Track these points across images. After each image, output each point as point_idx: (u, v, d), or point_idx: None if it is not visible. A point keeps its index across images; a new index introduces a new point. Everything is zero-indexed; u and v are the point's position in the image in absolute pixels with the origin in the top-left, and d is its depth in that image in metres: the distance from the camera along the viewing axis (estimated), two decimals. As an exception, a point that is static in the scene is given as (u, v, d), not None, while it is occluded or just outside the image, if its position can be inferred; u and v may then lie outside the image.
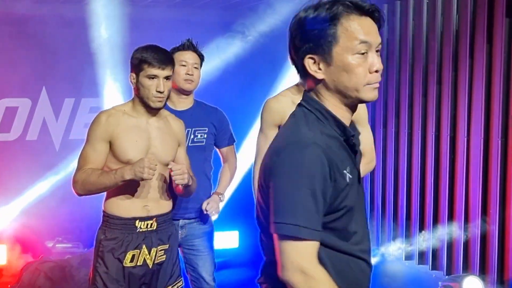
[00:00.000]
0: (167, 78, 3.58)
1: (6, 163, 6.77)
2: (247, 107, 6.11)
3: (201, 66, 4.22)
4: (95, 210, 6.78)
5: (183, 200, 4.07)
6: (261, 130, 3.83)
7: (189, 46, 4.17)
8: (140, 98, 3.61)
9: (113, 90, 6.74)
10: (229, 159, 4.37)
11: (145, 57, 3.56)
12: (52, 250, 6.69)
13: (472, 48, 5.32)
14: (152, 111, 3.62)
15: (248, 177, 6.96)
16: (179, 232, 4.14)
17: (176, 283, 3.79)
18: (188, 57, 4.14)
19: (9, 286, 6.33)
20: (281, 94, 3.82)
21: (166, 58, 3.59)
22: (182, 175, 3.54)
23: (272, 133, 3.75)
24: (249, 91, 6.61)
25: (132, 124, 3.60)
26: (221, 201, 4.29)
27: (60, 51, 6.72)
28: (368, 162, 3.65)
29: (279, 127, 3.77)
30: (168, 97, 3.65)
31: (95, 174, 3.47)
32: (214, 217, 4.25)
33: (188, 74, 4.11)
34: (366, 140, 3.62)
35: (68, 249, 6.73)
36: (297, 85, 3.76)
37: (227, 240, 7.13)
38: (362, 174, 3.73)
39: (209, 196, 4.25)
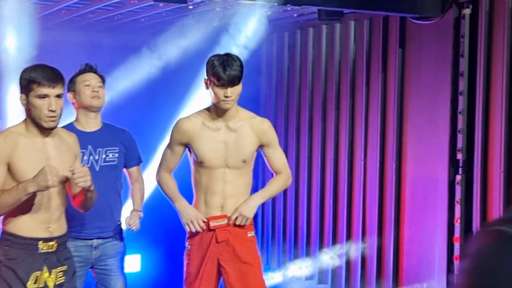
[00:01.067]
0: (58, 96, 3.49)
1: None
2: (153, 127, 6.22)
3: (104, 85, 4.27)
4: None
5: (98, 219, 4.11)
6: (169, 145, 4.03)
7: (89, 68, 4.23)
8: (32, 119, 3.52)
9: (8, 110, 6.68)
10: (138, 178, 4.46)
11: (34, 77, 3.47)
12: None
13: (368, 76, 5.64)
14: (46, 131, 3.56)
15: (152, 199, 7.03)
16: (92, 252, 4.16)
17: None
18: (89, 77, 4.19)
19: None
20: (193, 115, 4.02)
21: (55, 76, 3.51)
22: (85, 177, 3.49)
23: (179, 150, 4.00)
24: (157, 112, 6.71)
25: (28, 145, 3.52)
26: (140, 217, 4.38)
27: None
28: (286, 179, 4.08)
29: (186, 145, 3.98)
30: (60, 116, 3.56)
31: (2, 197, 3.41)
32: (135, 229, 4.31)
33: (93, 91, 4.15)
34: (279, 160, 4.06)
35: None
36: (208, 108, 3.96)
37: (129, 263, 7.08)
38: (279, 190, 4.12)
39: (120, 215, 4.32)
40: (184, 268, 4.07)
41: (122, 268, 4.31)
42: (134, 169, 4.39)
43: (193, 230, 3.90)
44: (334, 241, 5.96)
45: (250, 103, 6.33)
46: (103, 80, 4.27)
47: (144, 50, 6.51)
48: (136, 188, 4.46)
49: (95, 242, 4.18)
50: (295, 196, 6.43)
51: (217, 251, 3.99)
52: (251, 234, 4.03)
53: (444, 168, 5.07)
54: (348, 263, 5.81)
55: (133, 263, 7.20)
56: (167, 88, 6.94)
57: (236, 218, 3.94)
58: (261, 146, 4.05)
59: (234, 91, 3.85)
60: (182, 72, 6.24)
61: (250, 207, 3.97)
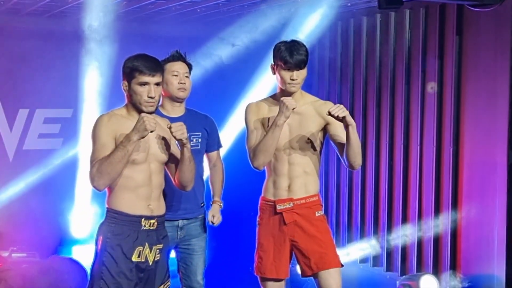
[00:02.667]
0: (157, 84, 3.80)
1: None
2: (225, 113, 6.39)
3: (190, 74, 4.47)
4: (50, 220, 6.95)
5: (183, 201, 4.31)
6: (250, 130, 4.16)
7: (179, 56, 4.42)
8: (133, 104, 3.82)
9: (68, 101, 6.88)
10: (217, 164, 4.62)
11: (136, 66, 3.77)
12: (8, 259, 6.71)
13: (424, 63, 5.77)
14: None
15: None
16: (178, 233, 4.35)
17: (167, 282, 3.99)
18: (179, 67, 4.38)
19: (-32, 295, 6.33)
20: (261, 101, 4.24)
21: (156, 66, 3.81)
22: (181, 129, 3.77)
23: (261, 129, 4.10)
24: (228, 98, 6.88)
25: (130, 126, 3.79)
26: (220, 208, 4.56)
27: (15, 61, 6.80)
28: None
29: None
30: (158, 102, 3.87)
31: (106, 156, 3.66)
32: (217, 223, 4.49)
33: (180, 83, 4.36)
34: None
35: (24, 258, 6.75)
36: (273, 95, 4.15)
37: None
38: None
39: (203, 198, 4.51)
40: (256, 238, 4.22)
41: (204, 248, 4.49)
42: (214, 154, 4.56)
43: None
44: (389, 225, 6.10)
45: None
46: (190, 69, 4.47)
47: (214, 39, 6.69)
48: (216, 174, 4.62)
49: (180, 222, 4.38)
50: (348, 181, 6.57)
51: (287, 232, 4.13)
52: (319, 213, 4.17)
53: (503, 151, 5.18)
54: (403, 246, 5.94)
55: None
56: (233, 78, 7.09)
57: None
58: (326, 128, 4.14)
59: (300, 75, 4.04)
60: (250, 60, 6.40)
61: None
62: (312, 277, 4.18)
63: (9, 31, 6.76)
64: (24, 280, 6.29)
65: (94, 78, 6.69)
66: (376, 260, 6.25)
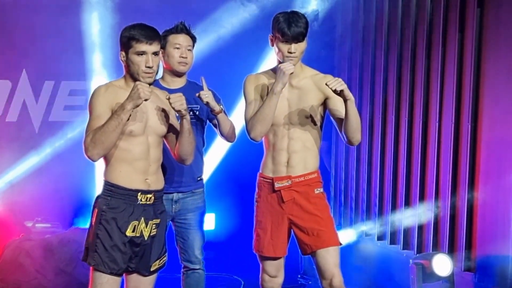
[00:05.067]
0: (155, 53, 3.74)
1: (-14, 143, 6.90)
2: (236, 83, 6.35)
3: (193, 47, 4.42)
4: (73, 192, 7.05)
5: (177, 174, 4.29)
6: (249, 102, 4.11)
7: (182, 29, 4.37)
8: (130, 74, 3.78)
9: (93, 73, 6.91)
10: None
11: (133, 34, 3.73)
12: (32, 229, 6.83)
13: (445, 37, 5.60)
14: None
15: (225, 161, 7.21)
16: (173, 206, 4.35)
17: (163, 257, 3.99)
18: (181, 40, 4.34)
19: (-10, 263, 6.47)
20: (260, 73, 4.20)
21: (153, 34, 3.76)
22: (180, 100, 3.75)
23: (259, 101, 4.04)
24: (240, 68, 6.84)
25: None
26: (221, 110, 4.38)
27: (40, 34, 6.85)
28: None
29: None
30: (157, 72, 3.81)
31: (101, 126, 3.64)
32: (205, 100, 4.30)
33: (181, 57, 4.33)
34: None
35: (47, 229, 6.87)
36: (273, 68, 4.07)
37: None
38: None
39: (201, 171, 4.51)
40: (255, 215, 4.20)
41: (201, 223, 4.49)
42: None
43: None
44: (407, 202, 5.99)
45: (324, 63, 6.46)
46: (194, 41, 4.42)
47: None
48: None
49: (175, 196, 4.37)
50: (368, 157, 6.47)
51: (285, 210, 4.09)
52: (318, 190, 4.12)
53: (521, 130, 5.03)
54: (420, 225, 5.84)
55: (208, 221, 7.42)
56: (243, 49, 7.05)
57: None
58: (326, 102, 4.07)
59: (298, 48, 3.96)
60: (258, 32, 6.34)
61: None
62: (310, 255, 4.14)
63: (32, 3, 6.79)
64: (45, 250, 6.40)
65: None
66: (393, 237, 6.16)
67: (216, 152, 7.01)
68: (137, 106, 3.65)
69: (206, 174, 7.06)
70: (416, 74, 5.92)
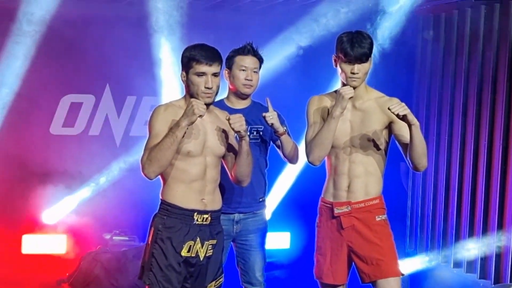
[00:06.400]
0: (215, 74, 3.77)
1: (70, 157, 7.11)
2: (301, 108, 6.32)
3: (260, 69, 4.41)
4: (151, 205, 7.11)
5: (239, 195, 4.31)
6: (309, 124, 4.07)
7: (250, 50, 4.36)
8: (190, 94, 3.81)
9: (172, 89, 7.01)
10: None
11: (194, 55, 3.76)
12: (109, 242, 6.97)
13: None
14: None
15: (301, 179, 7.16)
16: (234, 227, 4.35)
17: (219, 279, 3.97)
18: (248, 61, 4.33)
19: (67, 274, 6.65)
20: (324, 95, 4.14)
21: (213, 55, 3.78)
22: (240, 121, 3.75)
23: (320, 123, 3.98)
24: (303, 93, 6.79)
25: None
26: (285, 131, 4.35)
27: (124, 50, 7.01)
28: None
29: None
30: (217, 93, 3.83)
31: (157, 143, 3.68)
32: (270, 121, 4.25)
33: (247, 79, 4.32)
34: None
35: (124, 242, 7.00)
36: (335, 92, 4.00)
37: (279, 240, 7.31)
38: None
39: (264, 192, 4.48)
40: (315, 241, 4.15)
41: (262, 244, 4.45)
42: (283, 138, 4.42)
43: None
44: (485, 230, 5.77)
45: (402, 87, 6.35)
46: (261, 63, 4.41)
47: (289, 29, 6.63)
48: None
49: (236, 216, 4.36)
50: (445, 182, 6.28)
51: (345, 236, 4.00)
52: (380, 218, 4.00)
53: None
54: (498, 253, 5.61)
55: (282, 240, 7.40)
56: (308, 70, 7.00)
57: None
58: (390, 126, 3.97)
59: (362, 68, 3.88)
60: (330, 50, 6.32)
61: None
62: (370, 284, 4.04)
63: (113, 20, 6.97)
64: (120, 263, 6.52)
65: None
66: (470, 266, 5.94)
67: (292, 170, 6.96)
68: (192, 122, 3.65)
69: (281, 192, 7.18)
70: (497, 98, 5.71)
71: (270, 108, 4.27)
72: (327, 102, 4.05)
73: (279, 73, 6.81)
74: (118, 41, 6.99)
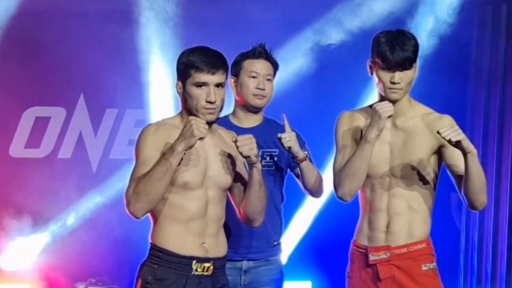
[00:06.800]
0: (219, 85, 3.72)
1: (34, 185, 7.03)
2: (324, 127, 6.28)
3: (274, 76, 4.39)
4: (135, 249, 7.07)
5: (248, 236, 4.28)
6: (338, 148, 4.03)
7: (261, 53, 4.35)
8: (188, 110, 3.77)
9: (164, 100, 6.97)
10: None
11: (192, 61, 3.71)
12: (83, 293, 6.93)
13: None
14: None
15: (325, 216, 7.12)
16: (242, 278, 4.32)
17: None
18: (259, 66, 4.32)
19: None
20: (356, 110, 4.13)
21: (217, 61, 3.74)
22: (250, 144, 3.70)
23: (351, 147, 3.94)
24: (325, 107, 6.79)
25: None
26: (306, 156, 4.34)
27: (102, 51, 6.99)
28: None
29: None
30: (221, 108, 3.79)
31: (145, 173, 3.60)
32: (288, 144, 4.23)
33: (258, 88, 4.31)
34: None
35: (101, 292, 6.96)
36: (370, 106, 3.97)
37: (299, 291, 7.29)
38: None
39: (280, 234, 4.45)
40: None
41: (278, 300, 4.40)
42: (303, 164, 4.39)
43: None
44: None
45: (452, 100, 6.30)
46: (275, 69, 4.41)
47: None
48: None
49: (244, 264, 4.33)
50: (509, 219, 6.24)
51: None
52: (427, 266, 3.95)
53: None
54: None
55: (303, 291, 7.38)
56: (333, 77, 6.97)
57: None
58: (441, 151, 3.94)
59: (404, 77, 3.85)
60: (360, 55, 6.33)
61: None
62: None
63: (89, 14, 6.96)
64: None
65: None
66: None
67: (314, 204, 6.93)
68: (191, 147, 3.60)
69: (300, 232, 7.14)
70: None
71: (287, 127, 4.25)
72: (360, 120, 4.02)
73: (295, 81, 6.80)
74: (95, 39, 6.98)
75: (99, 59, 6.96)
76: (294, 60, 6.80)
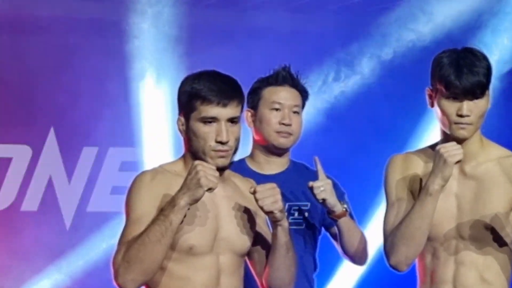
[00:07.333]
0: (232, 120, 3.72)
1: (-10, 247, 7.12)
2: (367, 172, 6.45)
3: (303, 108, 4.49)
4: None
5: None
6: (388, 201, 4.05)
7: (286, 78, 4.44)
8: (193, 153, 3.77)
9: (159, 137, 7.03)
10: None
11: (197, 90, 3.70)
12: None
13: None
14: None
15: (367, 281, 7.17)
16: None
17: None
18: (283, 96, 4.41)
19: None
20: (411, 153, 4.15)
21: (229, 89, 3.73)
22: (273, 196, 3.67)
23: (407, 201, 3.98)
24: (370, 148, 6.94)
25: None
26: (345, 211, 4.41)
27: (79, 73, 7.10)
28: None
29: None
30: (236, 150, 3.79)
31: (139, 234, 3.59)
32: (321, 195, 4.29)
33: (283, 123, 4.38)
34: None
35: None
36: (431, 147, 4.01)
37: None
38: None
39: None
40: None
41: None
42: (342, 221, 4.45)
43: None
44: None
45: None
46: (305, 99, 4.51)
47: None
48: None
49: None
50: None
51: None
52: None
53: None
54: None
55: None
56: (379, 106, 7.07)
57: None
58: None
59: (475, 109, 3.86)
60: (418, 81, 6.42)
61: None
62: None
63: (63, 25, 7.07)
64: None
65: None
66: None
67: (354, 272, 7.02)
68: (197, 200, 3.60)
69: None
70: None
71: (321, 174, 4.32)
72: (418, 166, 4.04)
73: (329, 113, 6.94)
74: (70, 57, 7.09)
75: (73, 84, 7.11)
76: (326, 86, 6.96)
